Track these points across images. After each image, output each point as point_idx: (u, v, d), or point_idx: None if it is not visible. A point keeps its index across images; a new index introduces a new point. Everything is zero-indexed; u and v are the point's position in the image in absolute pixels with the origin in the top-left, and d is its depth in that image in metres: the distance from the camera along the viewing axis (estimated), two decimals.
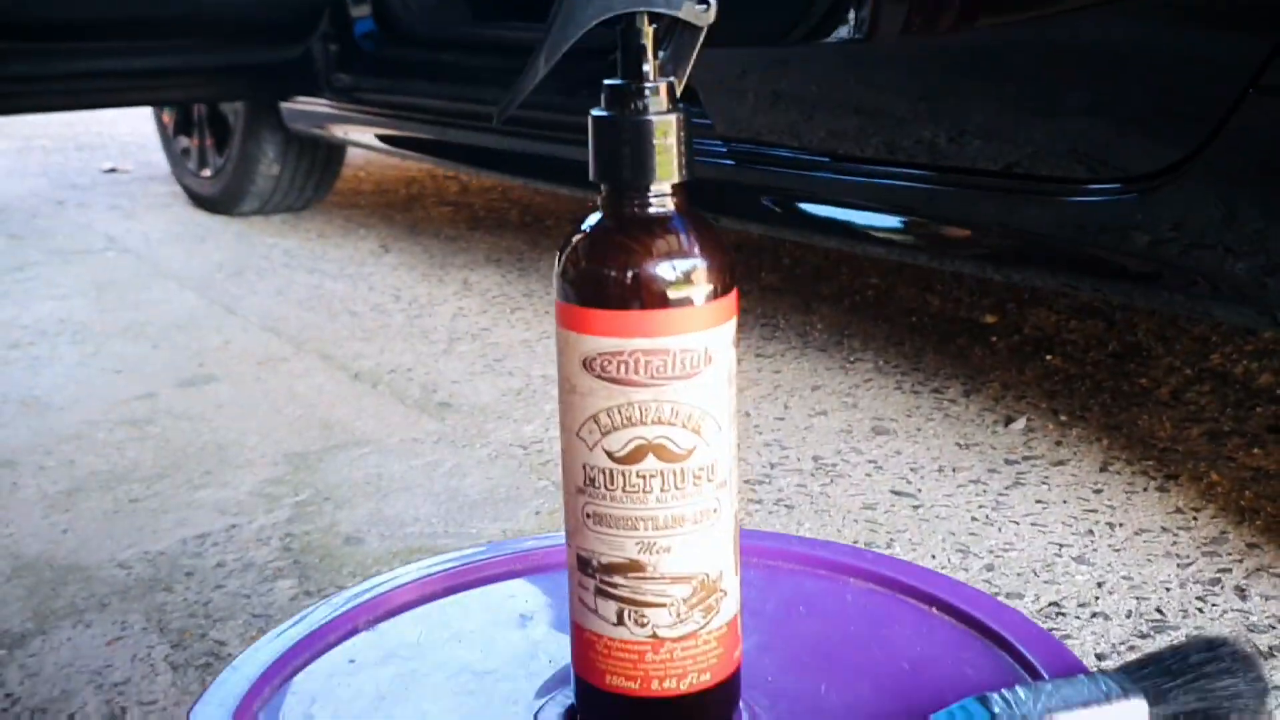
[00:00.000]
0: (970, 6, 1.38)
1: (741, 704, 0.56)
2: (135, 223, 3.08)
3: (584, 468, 0.52)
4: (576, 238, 0.52)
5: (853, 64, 1.47)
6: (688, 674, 0.53)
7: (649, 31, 0.50)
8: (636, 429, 0.51)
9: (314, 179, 3.03)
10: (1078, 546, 1.25)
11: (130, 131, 4.61)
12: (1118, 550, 1.24)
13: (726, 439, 0.52)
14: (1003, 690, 0.53)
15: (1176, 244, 1.18)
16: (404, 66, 2.43)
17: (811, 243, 2.18)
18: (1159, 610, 1.13)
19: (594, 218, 0.52)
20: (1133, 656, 0.65)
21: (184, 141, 3.17)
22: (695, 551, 0.52)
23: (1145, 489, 1.36)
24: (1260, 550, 1.22)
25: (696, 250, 0.51)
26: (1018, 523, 1.30)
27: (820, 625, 0.64)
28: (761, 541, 0.70)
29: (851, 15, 1.44)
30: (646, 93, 0.50)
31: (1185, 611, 1.13)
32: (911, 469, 1.45)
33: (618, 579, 0.52)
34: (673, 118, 0.50)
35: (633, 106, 0.50)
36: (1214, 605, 1.13)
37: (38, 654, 1.14)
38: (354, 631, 0.64)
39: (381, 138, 2.52)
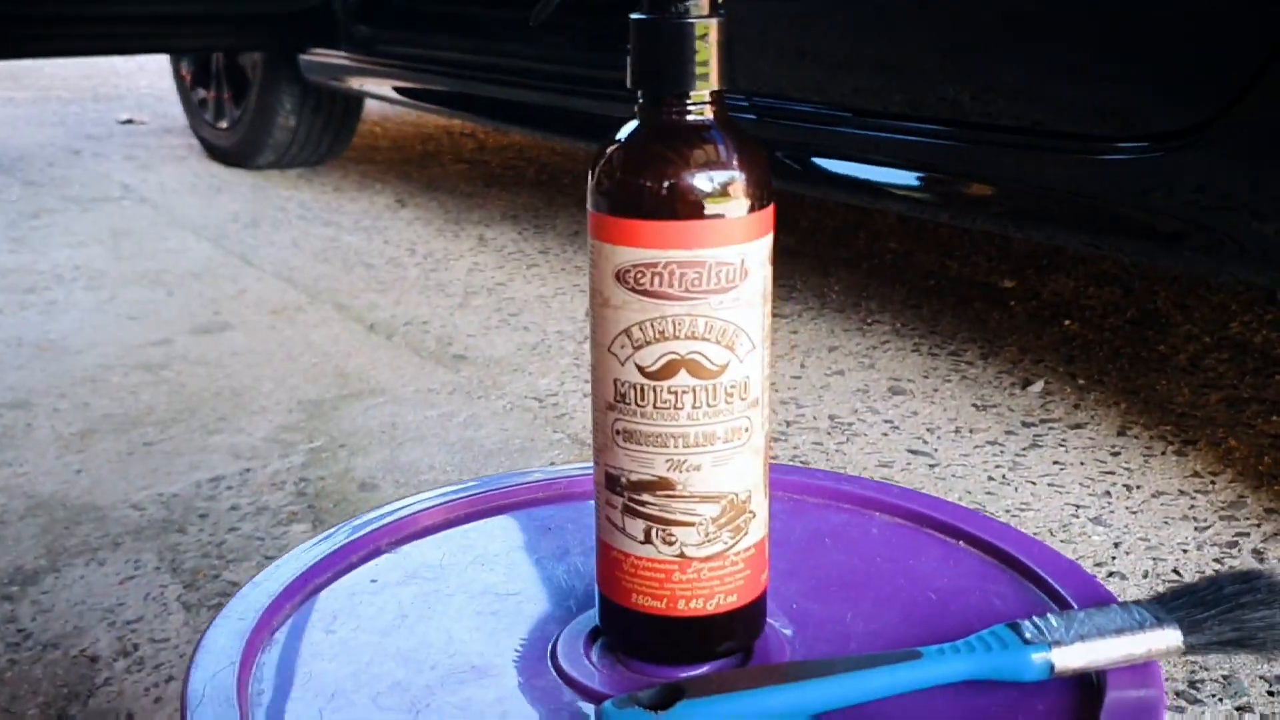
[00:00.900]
0: None
1: (767, 627, 0.56)
2: (151, 173, 3.07)
3: (614, 383, 0.51)
4: (611, 148, 0.51)
5: (878, 17, 1.46)
6: (714, 595, 0.52)
7: None
8: (669, 344, 0.50)
9: (331, 133, 3.01)
10: (1095, 508, 1.24)
11: (148, 85, 4.60)
12: (1135, 512, 1.23)
13: (760, 357, 0.51)
14: (1033, 617, 0.52)
15: (1203, 204, 1.17)
16: (425, 18, 2.41)
17: (832, 199, 2.16)
18: (1176, 571, 1.13)
19: (630, 126, 0.51)
20: None
21: (201, 93, 3.16)
22: (725, 470, 0.51)
23: (1163, 453, 1.36)
24: (1278, 515, 1.22)
25: (735, 161, 0.50)
26: (1034, 483, 1.30)
27: (846, 556, 0.63)
28: (787, 475, 0.70)
29: None
30: None
31: (1202, 572, 1.12)
32: (928, 429, 1.44)
33: (646, 497, 0.52)
34: (714, 21, 0.49)
35: (674, 8, 0.49)
36: (1231, 568, 1.13)
37: (51, 590, 1.14)
38: (377, 552, 0.64)
39: (401, 90, 2.50)
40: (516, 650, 0.55)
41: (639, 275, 0.49)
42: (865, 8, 1.47)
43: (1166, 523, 1.21)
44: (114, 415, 1.54)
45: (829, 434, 1.44)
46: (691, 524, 0.52)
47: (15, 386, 1.64)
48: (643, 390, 0.51)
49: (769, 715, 0.49)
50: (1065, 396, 1.52)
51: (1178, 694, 0.95)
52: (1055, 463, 1.34)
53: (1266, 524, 1.20)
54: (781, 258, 2.16)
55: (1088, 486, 1.29)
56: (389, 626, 0.57)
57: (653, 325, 0.50)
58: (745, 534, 0.53)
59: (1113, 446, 1.38)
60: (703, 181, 0.49)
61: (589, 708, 0.52)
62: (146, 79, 4.71)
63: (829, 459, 1.37)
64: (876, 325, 1.81)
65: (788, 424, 1.47)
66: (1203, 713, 0.94)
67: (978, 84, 1.35)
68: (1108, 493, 1.27)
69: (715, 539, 0.52)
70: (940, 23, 1.40)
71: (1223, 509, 1.23)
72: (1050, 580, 0.58)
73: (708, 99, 0.50)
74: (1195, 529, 1.20)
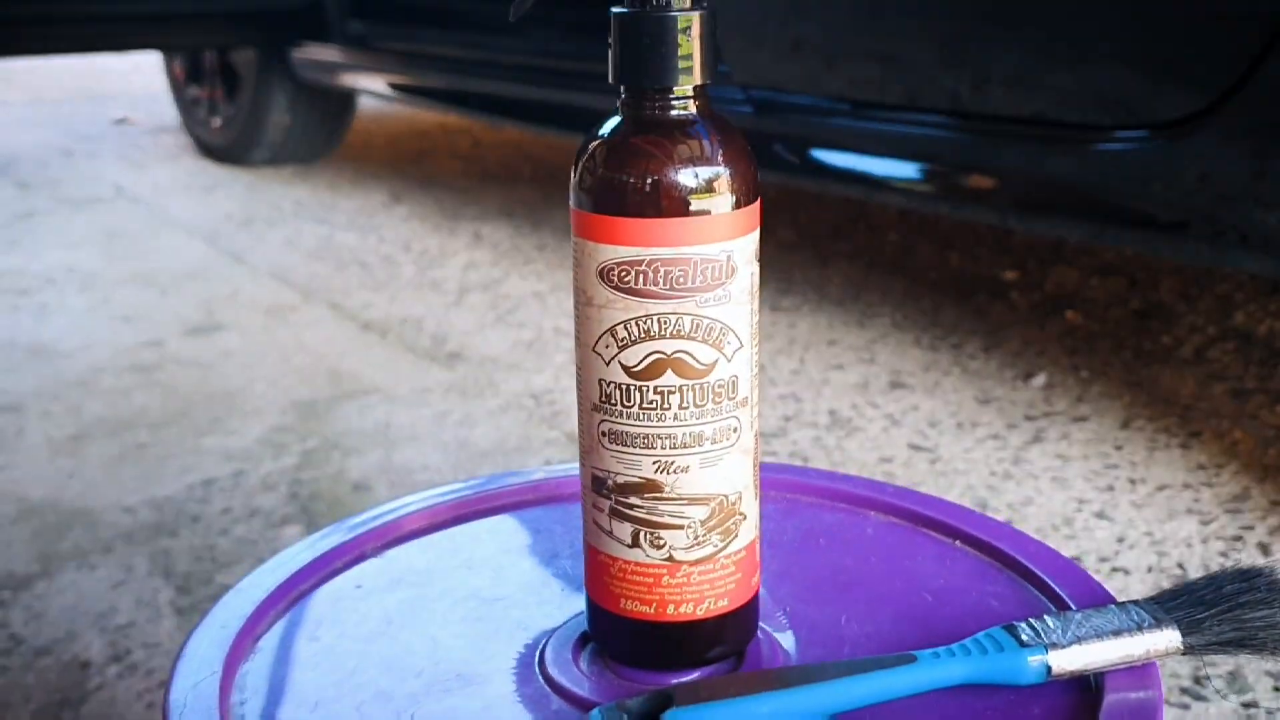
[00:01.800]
0: None
1: (760, 631, 0.54)
2: (144, 173, 3.06)
3: (599, 383, 0.50)
4: (593, 143, 0.49)
5: (875, 7, 1.44)
6: (705, 599, 0.51)
7: None
8: (654, 343, 0.49)
9: (325, 130, 3.00)
10: (1098, 502, 1.23)
11: (142, 86, 4.58)
12: (1139, 506, 1.22)
13: (748, 355, 0.50)
14: (1030, 619, 0.51)
15: (1204, 192, 1.16)
16: (418, 13, 2.40)
17: (831, 192, 2.15)
18: (1180, 565, 1.11)
19: (612, 121, 0.50)
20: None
21: (194, 91, 3.14)
22: (714, 472, 0.50)
23: (1167, 446, 1.34)
24: None
25: (720, 156, 0.48)
26: (1037, 477, 1.28)
27: (840, 556, 0.62)
28: (780, 474, 0.68)
29: None
30: None
31: (1207, 567, 1.11)
32: (930, 424, 1.43)
33: (633, 499, 0.50)
34: (697, 14, 0.47)
35: (655, 1, 0.48)
36: (1236, 562, 1.11)
37: (43, 596, 1.13)
38: (362, 557, 0.63)
39: (395, 86, 2.49)
40: (504, 657, 0.54)
41: (623, 273, 0.48)
42: None
43: (1171, 516, 1.20)
44: (106, 418, 1.53)
45: (829, 429, 1.42)
46: (680, 527, 0.50)
47: (7, 389, 1.63)
48: (628, 390, 0.49)
49: None
50: (1068, 389, 1.50)
51: (1183, 691, 0.94)
52: (1058, 456, 1.33)
53: (1272, 517, 1.18)
54: (780, 251, 2.15)
55: (1091, 480, 1.27)
56: (374, 633, 0.56)
57: (638, 324, 0.49)
58: (736, 536, 0.51)
59: (1116, 440, 1.36)
60: (687, 177, 0.48)
61: (577, 716, 0.50)
62: (140, 79, 4.69)
63: (829, 455, 1.36)
64: (876, 319, 1.80)
65: (787, 419, 1.45)
66: (1208, 709, 0.92)
67: (977, 74, 1.34)
68: (1111, 486, 1.26)
69: (705, 542, 0.51)
70: (938, 13, 1.38)
71: (1228, 502, 1.22)
72: (1048, 580, 0.57)
73: (691, 93, 0.48)
74: (1200, 523, 1.18)
